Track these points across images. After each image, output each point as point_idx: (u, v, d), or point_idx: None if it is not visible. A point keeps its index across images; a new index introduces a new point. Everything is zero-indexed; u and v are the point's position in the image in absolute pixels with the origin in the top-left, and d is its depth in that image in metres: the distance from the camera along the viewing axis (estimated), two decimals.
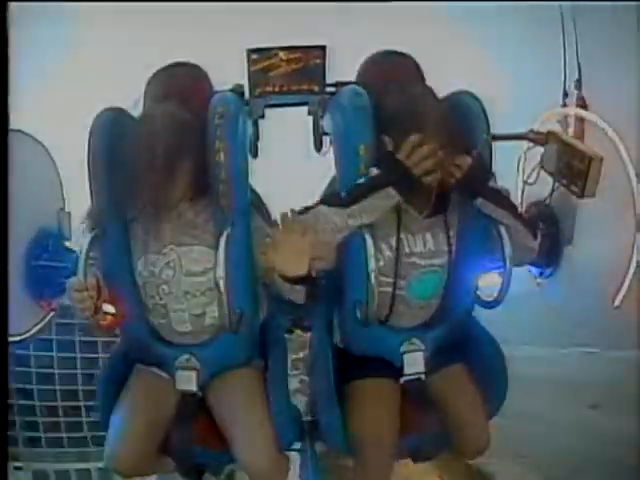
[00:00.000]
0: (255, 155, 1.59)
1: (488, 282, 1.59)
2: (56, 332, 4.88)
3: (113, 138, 1.41)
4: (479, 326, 1.66)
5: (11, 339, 1.74)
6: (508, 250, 1.42)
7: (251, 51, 1.81)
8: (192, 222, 1.46)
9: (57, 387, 5.23)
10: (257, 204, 1.54)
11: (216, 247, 1.40)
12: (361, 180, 1.39)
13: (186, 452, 1.50)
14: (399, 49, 1.64)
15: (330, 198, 1.44)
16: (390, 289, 1.47)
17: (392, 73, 1.58)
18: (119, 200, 1.43)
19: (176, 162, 1.36)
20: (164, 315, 1.49)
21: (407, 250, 1.47)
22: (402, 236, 1.46)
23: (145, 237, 1.46)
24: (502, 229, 1.44)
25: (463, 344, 1.62)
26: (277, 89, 1.82)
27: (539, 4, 2.23)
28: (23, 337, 1.83)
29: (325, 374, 1.55)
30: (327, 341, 1.62)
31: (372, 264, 1.43)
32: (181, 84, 1.53)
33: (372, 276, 1.42)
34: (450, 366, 1.60)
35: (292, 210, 1.33)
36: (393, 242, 1.46)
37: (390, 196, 1.37)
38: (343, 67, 1.81)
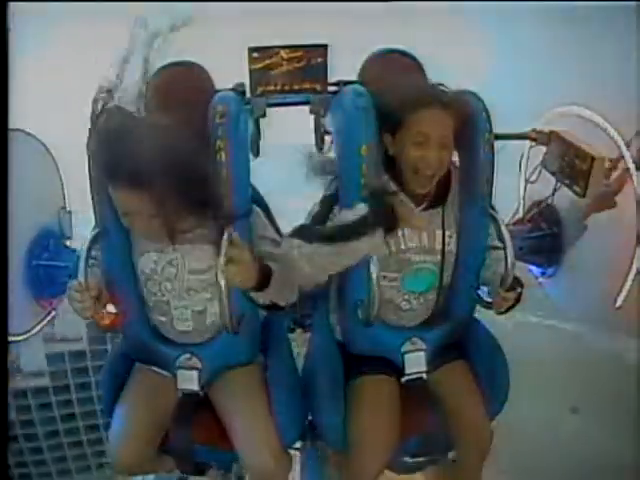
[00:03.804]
0: (257, 154, 1.59)
1: None
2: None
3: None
4: (481, 325, 1.66)
5: (13, 339, 1.75)
6: (510, 252, 1.42)
7: (252, 49, 1.80)
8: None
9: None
10: (259, 203, 1.53)
11: (217, 244, 1.37)
12: (353, 218, 1.32)
13: (187, 450, 1.51)
14: (400, 47, 1.64)
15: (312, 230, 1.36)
16: (385, 283, 1.48)
17: (393, 70, 1.57)
18: None
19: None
20: (166, 312, 1.49)
21: (403, 246, 1.48)
22: (399, 233, 1.46)
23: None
24: (504, 232, 1.44)
25: (464, 343, 1.63)
26: (279, 88, 1.81)
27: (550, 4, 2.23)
28: (24, 336, 1.83)
29: (330, 373, 1.55)
30: (330, 338, 1.62)
31: (374, 265, 1.43)
32: (181, 84, 1.52)
33: (374, 276, 1.42)
34: (451, 362, 1.60)
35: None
36: (391, 239, 1.45)
37: (377, 242, 1.32)
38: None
